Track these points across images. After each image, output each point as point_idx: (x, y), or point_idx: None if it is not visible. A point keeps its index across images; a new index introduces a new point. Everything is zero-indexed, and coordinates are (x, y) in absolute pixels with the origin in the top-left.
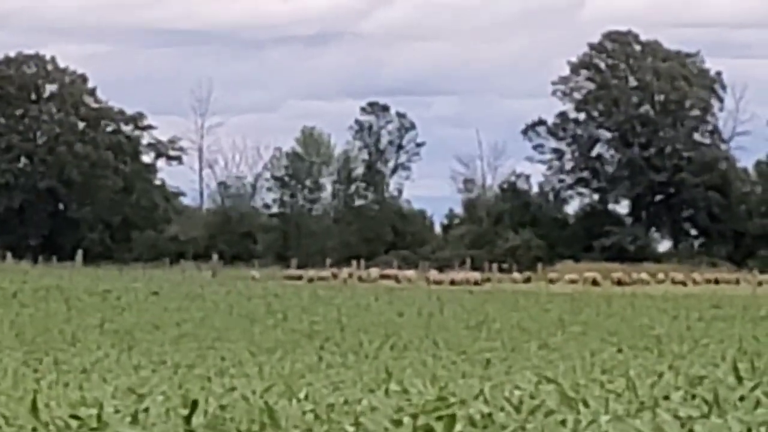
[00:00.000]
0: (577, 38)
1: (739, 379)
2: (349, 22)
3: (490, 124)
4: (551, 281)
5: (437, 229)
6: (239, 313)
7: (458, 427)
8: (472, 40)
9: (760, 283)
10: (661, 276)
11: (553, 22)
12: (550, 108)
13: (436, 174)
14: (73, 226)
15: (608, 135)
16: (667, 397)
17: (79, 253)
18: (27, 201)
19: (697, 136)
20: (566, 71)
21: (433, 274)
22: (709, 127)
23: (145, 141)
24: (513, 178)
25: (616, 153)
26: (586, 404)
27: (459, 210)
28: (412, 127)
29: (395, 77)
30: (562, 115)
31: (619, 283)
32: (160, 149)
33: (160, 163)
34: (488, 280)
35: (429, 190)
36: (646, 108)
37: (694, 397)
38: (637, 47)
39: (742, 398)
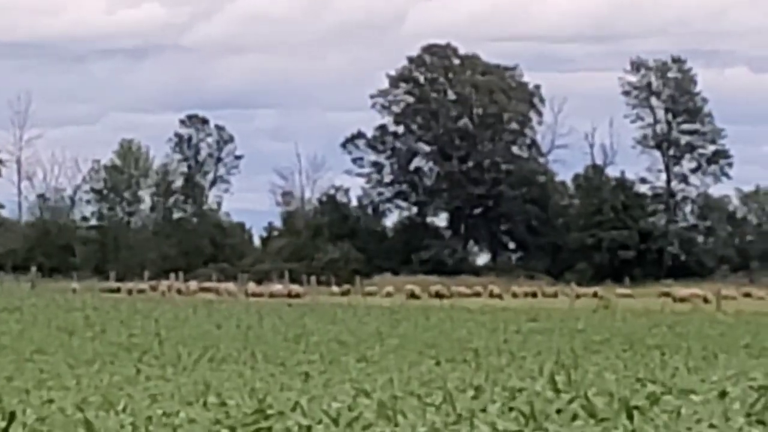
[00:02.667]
0: (397, 52)
1: (557, 392)
2: (171, 35)
3: (309, 138)
4: (369, 294)
5: (256, 241)
6: (58, 325)
7: None
8: (292, 53)
9: (578, 296)
10: (479, 289)
11: (374, 36)
12: (369, 121)
13: (255, 187)
14: None
15: (427, 148)
16: (484, 410)
17: None
18: None
19: (515, 150)
20: (385, 84)
21: (252, 286)
22: (528, 141)
23: None
24: (332, 191)
25: (434, 166)
26: (404, 416)
27: (278, 223)
28: (231, 140)
29: (216, 90)
30: (382, 128)
31: (438, 296)
32: None
33: None
34: (302, 295)
35: (248, 203)
36: (464, 121)
37: (511, 409)
38: (456, 61)
39: (559, 411)
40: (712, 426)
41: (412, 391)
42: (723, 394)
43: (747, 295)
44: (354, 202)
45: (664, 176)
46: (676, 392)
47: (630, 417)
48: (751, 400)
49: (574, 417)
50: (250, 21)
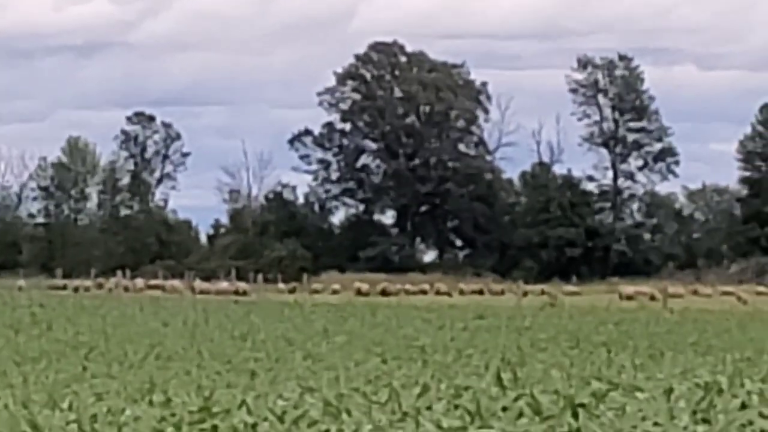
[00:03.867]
0: (345, 49)
1: (502, 390)
2: (119, 32)
3: (257, 135)
4: (316, 291)
5: (203, 239)
6: (4, 323)
7: None
8: (240, 51)
9: (525, 294)
10: (426, 286)
11: (322, 33)
12: (316, 119)
13: (202, 184)
14: None
15: (374, 146)
16: (430, 408)
17: None
18: None
19: (462, 147)
20: (332, 82)
21: (199, 284)
22: (475, 138)
23: None
24: (279, 189)
25: (381, 163)
26: (349, 414)
27: (225, 220)
28: (178, 137)
29: (163, 87)
30: (329, 125)
31: (384, 293)
32: None
33: None
34: (249, 292)
35: (195, 200)
36: (411, 119)
37: (457, 407)
38: (403, 58)
39: (504, 408)
40: (657, 424)
41: (358, 388)
42: (668, 392)
43: (695, 292)
44: (301, 200)
45: (610, 174)
46: (622, 390)
47: (575, 415)
48: (696, 398)
49: (520, 415)
50: (198, 18)
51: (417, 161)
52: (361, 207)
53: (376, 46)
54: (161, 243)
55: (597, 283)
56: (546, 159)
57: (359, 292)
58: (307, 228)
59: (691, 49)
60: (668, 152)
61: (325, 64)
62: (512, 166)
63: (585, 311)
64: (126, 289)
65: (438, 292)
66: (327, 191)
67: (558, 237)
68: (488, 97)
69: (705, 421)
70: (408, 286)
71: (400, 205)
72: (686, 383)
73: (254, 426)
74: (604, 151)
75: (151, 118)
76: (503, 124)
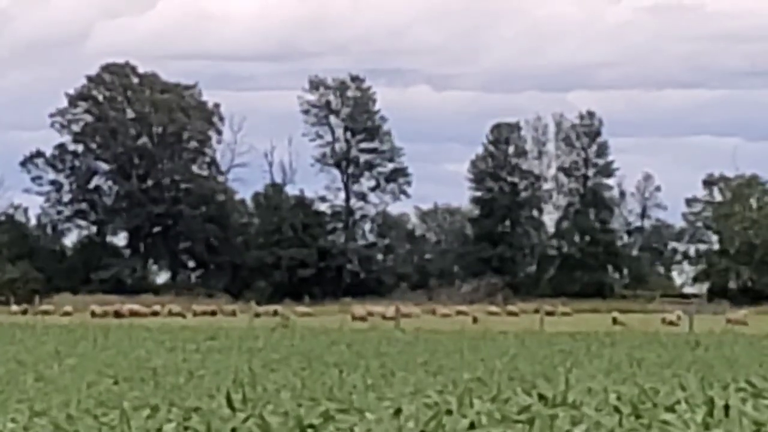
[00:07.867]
0: (79, 71)
1: (233, 410)
2: None
3: None
4: (46, 313)
5: None
6: None
7: None
8: None
9: (257, 315)
10: (158, 308)
11: (55, 54)
12: (49, 140)
13: None
14: None
15: (106, 167)
16: (160, 429)
17: None
18: None
19: (195, 168)
20: (65, 103)
21: None
22: (207, 159)
23: None
24: (11, 211)
25: (114, 185)
26: None
27: None
28: None
29: None
30: (61, 146)
31: (117, 315)
32: None
33: None
34: None
35: None
36: (144, 140)
37: (186, 429)
38: (135, 79)
39: (234, 429)
40: None
41: (89, 410)
42: (398, 412)
43: (433, 312)
44: (33, 222)
45: (343, 194)
46: (352, 410)
47: None
48: (425, 418)
49: None
50: None
51: (149, 182)
52: (94, 229)
53: (108, 68)
54: None
55: (330, 303)
56: (278, 180)
57: (92, 314)
58: (39, 250)
59: (424, 70)
60: (400, 173)
61: (58, 86)
62: (245, 187)
63: (317, 332)
64: None
65: (170, 313)
66: (59, 213)
67: (290, 258)
68: (221, 118)
69: None
70: (140, 308)
71: (133, 226)
72: (416, 403)
73: None
74: (336, 171)
75: None
76: (236, 145)
